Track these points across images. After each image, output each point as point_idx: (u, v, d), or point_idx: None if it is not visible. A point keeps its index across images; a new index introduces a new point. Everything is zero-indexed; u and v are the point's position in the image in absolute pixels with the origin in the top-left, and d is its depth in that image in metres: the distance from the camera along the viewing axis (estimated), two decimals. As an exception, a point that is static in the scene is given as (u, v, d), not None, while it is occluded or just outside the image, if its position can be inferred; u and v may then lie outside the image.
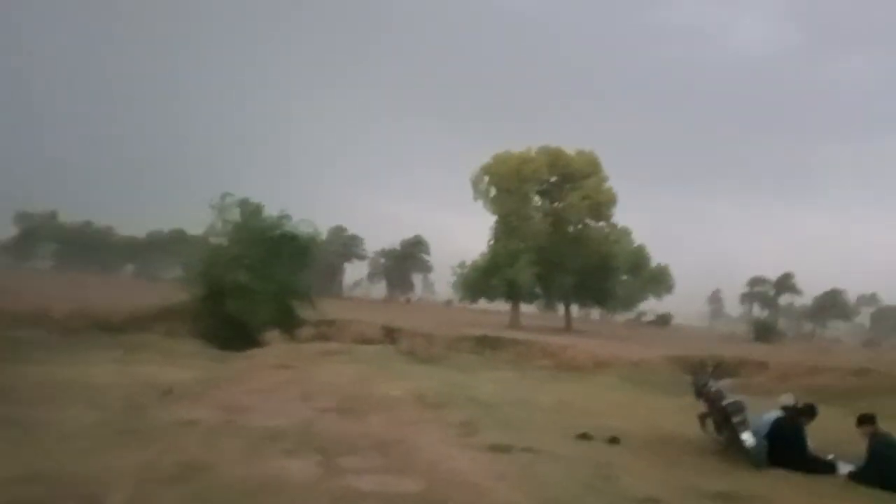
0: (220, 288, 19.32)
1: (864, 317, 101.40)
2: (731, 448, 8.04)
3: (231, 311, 18.79)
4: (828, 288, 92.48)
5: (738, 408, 7.96)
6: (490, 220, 47.42)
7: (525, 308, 49.81)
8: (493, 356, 17.66)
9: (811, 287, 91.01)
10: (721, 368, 10.14)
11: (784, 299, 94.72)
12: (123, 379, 10.55)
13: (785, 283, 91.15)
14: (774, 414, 8.14)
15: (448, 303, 76.53)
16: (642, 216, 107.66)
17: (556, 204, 47.13)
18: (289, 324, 19.37)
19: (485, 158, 46.89)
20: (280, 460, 6.37)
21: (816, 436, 8.14)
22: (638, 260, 54.96)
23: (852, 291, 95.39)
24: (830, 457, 7.74)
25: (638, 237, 54.22)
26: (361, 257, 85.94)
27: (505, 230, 45.99)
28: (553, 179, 47.20)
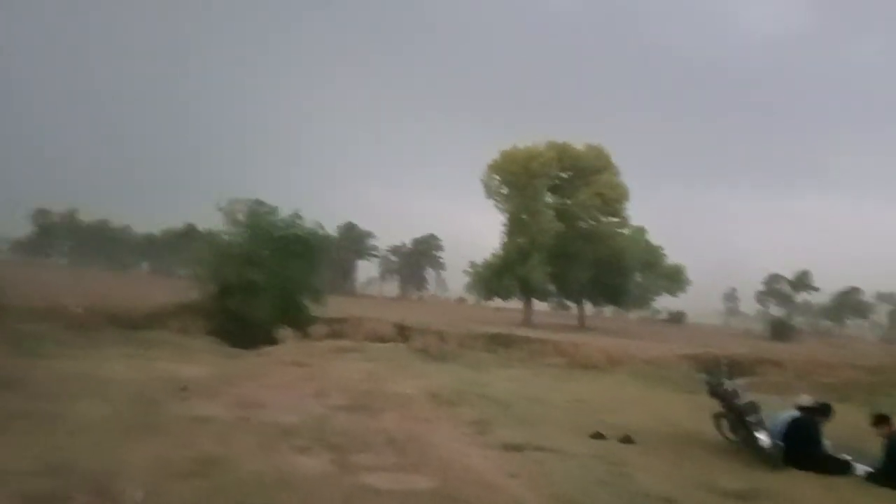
0: (233, 285, 19.43)
1: (881, 314, 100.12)
2: (746, 447, 7.97)
3: (243, 308, 18.89)
4: (845, 285, 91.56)
5: (753, 408, 7.90)
6: (502, 217, 47.29)
7: (538, 306, 49.68)
8: (506, 354, 17.59)
9: (829, 284, 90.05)
10: (735, 367, 10.04)
11: (801, 297, 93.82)
12: (138, 374, 10.63)
13: (802, 281, 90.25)
14: (790, 414, 8.06)
15: (461, 300, 76.54)
16: (656, 212, 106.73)
17: (567, 201, 46.84)
18: (301, 321, 19.43)
19: (495, 152, 46.75)
20: (294, 456, 6.39)
21: (833, 434, 8.05)
22: (651, 257, 54.66)
23: (870, 289, 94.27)
24: (846, 457, 7.65)
25: (651, 234, 53.95)
26: (374, 255, 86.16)
27: (516, 227, 45.79)
28: (564, 175, 46.91)
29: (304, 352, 15.37)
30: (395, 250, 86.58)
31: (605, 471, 6.63)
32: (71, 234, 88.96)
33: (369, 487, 5.57)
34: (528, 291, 45.50)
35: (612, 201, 45.64)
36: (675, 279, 59.95)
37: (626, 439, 8.30)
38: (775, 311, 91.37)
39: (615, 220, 47.54)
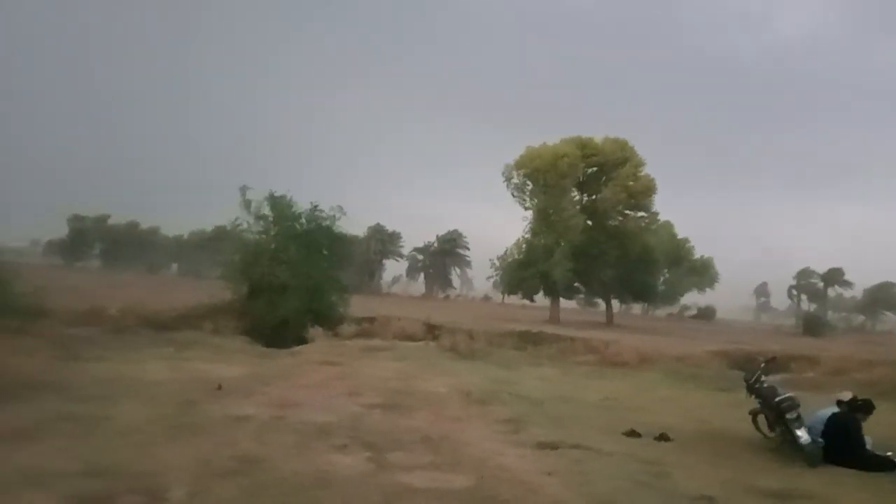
0: (262, 285, 19.66)
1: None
2: (784, 445, 7.87)
3: (273, 308, 19.11)
4: (879, 280, 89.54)
5: (793, 404, 7.78)
6: (526, 214, 47.02)
7: (564, 303, 49.42)
8: (535, 352, 17.56)
9: (861, 279, 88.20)
10: (773, 363, 9.91)
11: (833, 291, 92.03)
12: (176, 375, 10.85)
13: (834, 276, 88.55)
14: (829, 410, 7.93)
15: (486, 298, 76.49)
16: (685, 209, 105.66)
17: (592, 197, 46.44)
18: (331, 320, 19.60)
19: (520, 152, 46.47)
20: (331, 455, 6.47)
21: (872, 431, 7.91)
22: (680, 253, 54.05)
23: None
24: (889, 454, 7.51)
25: (680, 230, 53.33)
26: (399, 254, 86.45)
27: (541, 224, 45.54)
28: (589, 171, 46.51)
29: (335, 351, 15.52)
30: (421, 250, 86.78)
31: (643, 470, 6.60)
32: (102, 236, 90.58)
33: (407, 486, 5.62)
34: (553, 288, 45.26)
35: (639, 195, 45.02)
36: (703, 274, 59.19)
37: (662, 437, 8.25)
38: (807, 306, 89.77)
39: (642, 214, 46.97)
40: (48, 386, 8.73)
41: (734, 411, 9.72)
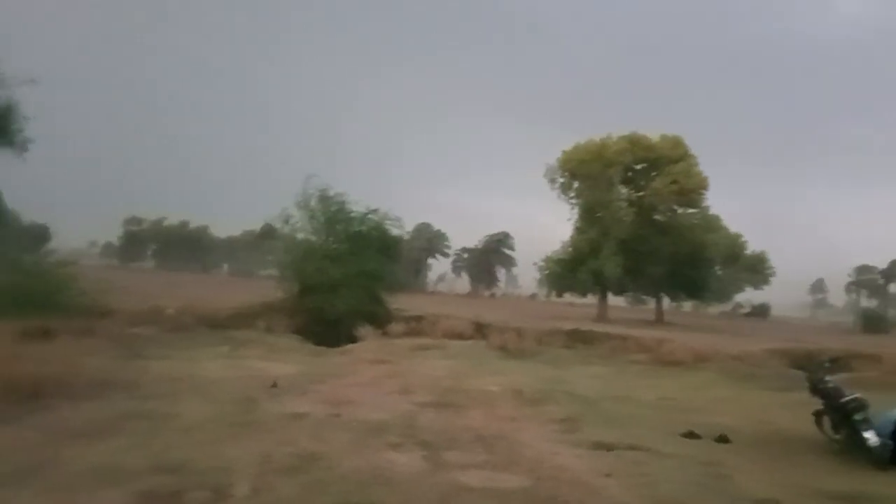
0: (313, 284, 20.00)
1: None
2: (850, 447, 7.59)
3: (324, 306, 19.42)
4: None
5: (860, 405, 7.50)
6: (572, 211, 46.38)
7: (612, 301, 48.66)
8: (585, 350, 17.38)
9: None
10: (838, 363, 9.56)
11: (893, 288, 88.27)
12: (233, 373, 11.14)
13: (894, 271, 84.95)
14: (898, 410, 7.61)
15: (533, 296, 76.04)
16: (738, 203, 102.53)
17: (641, 192, 45.53)
18: (380, 318, 19.80)
19: (566, 148, 45.89)
20: (387, 453, 6.55)
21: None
22: (733, 249, 52.63)
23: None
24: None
25: (734, 224, 51.90)
26: (445, 252, 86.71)
27: (588, 221, 44.88)
28: (638, 167, 45.62)
29: (385, 349, 15.67)
30: (467, 248, 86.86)
31: (703, 472, 6.47)
32: (156, 237, 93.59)
33: (463, 485, 5.64)
34: (603, 286, 44.61)
35: (690, 191, 43.94)
36: (757, 271, 57.55)
37: (722, 439, 8.06)
38: (866, 302, 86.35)
39: (693, 210, 45.84)
40: (116, 384, 9.07)
41: (796, 412, 9.42)
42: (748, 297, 66.35)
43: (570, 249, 45.50)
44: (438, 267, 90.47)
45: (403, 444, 6.97)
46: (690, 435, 8.20)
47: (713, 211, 47.69)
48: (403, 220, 23.50)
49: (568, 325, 22.26)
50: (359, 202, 21.95)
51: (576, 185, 45.06)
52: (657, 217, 45.43)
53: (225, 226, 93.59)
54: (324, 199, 21.48)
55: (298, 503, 4.92)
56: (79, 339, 11.95)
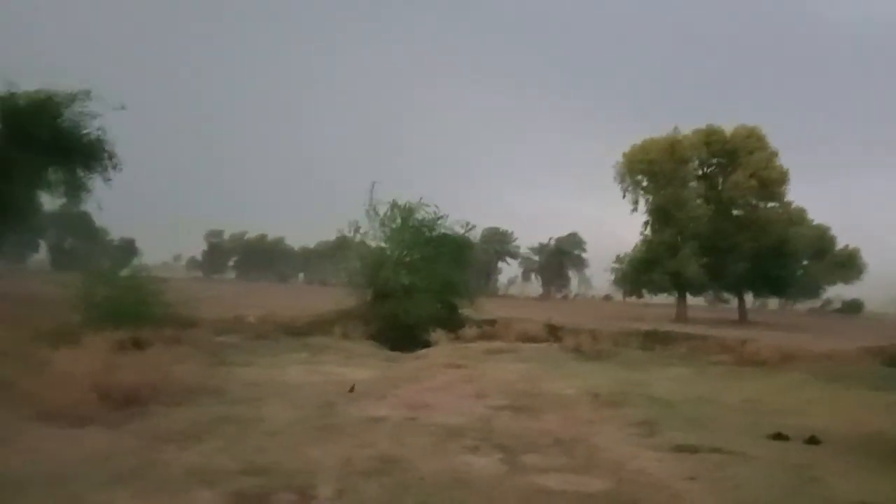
0: (386, 291, 20.37)
1: None
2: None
3: (397, 312, 19.74)
4: None
5: None
6: (644, 210, 45.15)
7: (690, 300, 47.10)
8: (664, 352, 16.92)
9: None
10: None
11: None
12: (313, 378, 11.48)
13: None
14: None
15: (607, 298, 74.55)
16: (826, 194, 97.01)
17: (718, 187, 43.84)
18: (453, 323, 19.95)
19: (636, 144, 44.71)
20: (465, 456, 6.59)
21: None
22: (821, 242, 49.96)
23: None
24: None
25: (822, 217, 49.24)
26: (515, 255, 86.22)
27: (662, 219, 43.57)
28: (714, 161, 44.00)
29: (459, 354, 15.74)
30: (537, 250, 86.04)
31: (791, 475, 6.20)
32: (236, 250, 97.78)
33: (543, 488, 5.62)
34: (682, 285, 43.20)
35: (770, 184, 42.03)
36: (849, 265, 54.39)
37: (812, 440, 7.69)
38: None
39: (775, 204, 43.82)
40: (204, 390, 9.52)
41: (893, 413, 8.89)
42: (839, 292, 62.71)
43: (645, 249, 44.31)
44: (508, 270, 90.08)
45: (481, 447, 7.00)
46: (778, 436, 7.86)
47: (798, 204, 45.48)
48: (472, 224, 23.58)
49: (645, 327, 21.77)
50: (428, 208, 22.21)
51: (647, 182, 43.92)
52: (736, 212, 43.70)
53: (300, 237, 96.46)
54: (393, 206, 21.87)
55: (382, 504, 5.03)
56: (169, 348, 12.57)
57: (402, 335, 18.58)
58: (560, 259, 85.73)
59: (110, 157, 25.71)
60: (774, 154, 42.49)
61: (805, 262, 48.67)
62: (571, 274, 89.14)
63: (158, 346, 12.65)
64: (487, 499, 5.28)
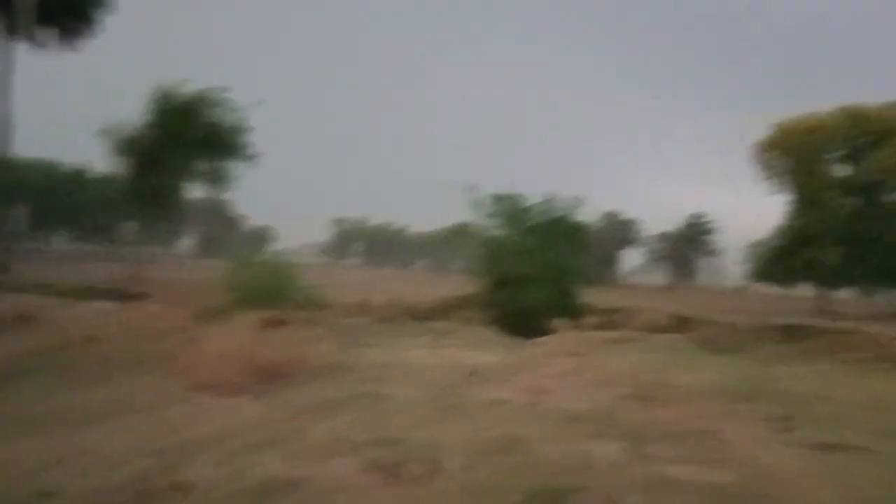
0: (504, 278, 20.55)
1: None
2: None
3: (516, 299, 19.88)
4: None
5: None
6: (781, 195, 42.13)
7: (834, 293, 43.52)
8: (800, 346, 15.85)
9: None
10: None
11: None
12: (436, 361, 11.89)
13: None
14: None
15: (739, 288, 70.49)
16: None
17: (863, 170, 39.94)
18: (573, 311, 19.80)
19: (770, 126, 41.73)
20: (587, 442, 6.64)
21: None
22: None
23: None
24: None
25: None
26: (638, 242, 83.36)
27: (800, 205, 40.42)
28: (859, 143, 40.14)
29: (580, 342, 15.63)
30: (664, 237, 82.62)
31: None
32: (360, 236, 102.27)
33: (668, 477, 5.58)
34: (822, 276, 39.98)
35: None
36: None
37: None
38: None
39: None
40: (338, 368, 10.20)
41: None
42: None
43: (782, 236, 41.41)
44: (632, 258, 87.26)
45: (603, 434, 7.01)
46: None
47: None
48: (591, 208, 23.20)
49: (780, 320, 20.50)
50: (544, 193, 22.16)
51: (785, 165, 40.94)
52: (885, 198, 39.73)
53: (421, 223, 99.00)
54: (508, 193, 22.00)
55: (506, 481, 5.23)
56: (304, 329, 13.51)
57: (521, 322, 18.69)
58: (688, 247, 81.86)
59: (249, 149, 27.85)
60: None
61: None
62: (701, 263, 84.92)
63: (295, 326, 13.62)
64: (610, 484, 5.33)
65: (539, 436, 6.74)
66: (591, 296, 21.74)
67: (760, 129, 42.20)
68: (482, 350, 13.92)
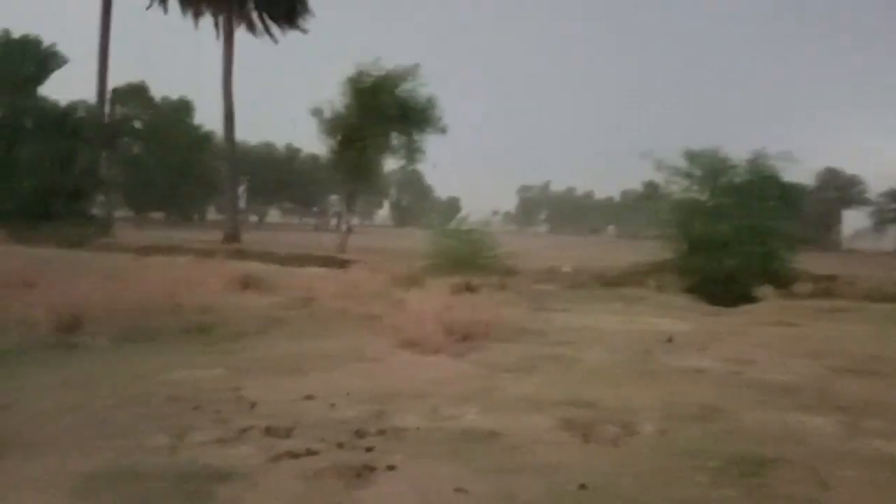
0: (701, 242, 19.34)
1: None
2: None
3: (714, 265, 18.67)
4: None
5: None
6: None
7: None
8: None
9: None
10: None
11: None
12: (628, 327, 11.74)
13: None
14: None
15: None
16: None
17: None
18: (781, 278, 18.22)
19: None
20: (797, 414, 6.24)
21: None
22: None
23: None
24: None
25: None
26: (864, 203, 73.55)
27: None
28: None
29: (789, 311, 14.46)
30: (892, 195, 72.13)
31: None
32: (546, 203, 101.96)
33: (888, 455, 5.12)
34: None
35: None
36: None
37: None
38: None
39: None
40: (528, 331, 10.50)
41: None
42: None
43: None
44: (855, 221, 77.31)
45: (812, 406, 6.54)
46: None
47: None
48: (805, 166, 20.92)
49: None
50: (750, 151, 20.40)
51: None
52: None
53: (607, 189, 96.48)
54: (691, 157, 20.54)
55: (704, 446, 5.14)
56: (496, 293, 14.02)
57: (722, 289, 17.60)
58: (924, 206, 70.72)
59: (439, 122, 29.16)
60: None
61: None
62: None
63: (487, 290, 14.18)
64: (818, 457, 5.01)
65: (742, 405, 6.47)
66: (805, 262, 19.80)
67: None
68: (678, 318, 13.45)
